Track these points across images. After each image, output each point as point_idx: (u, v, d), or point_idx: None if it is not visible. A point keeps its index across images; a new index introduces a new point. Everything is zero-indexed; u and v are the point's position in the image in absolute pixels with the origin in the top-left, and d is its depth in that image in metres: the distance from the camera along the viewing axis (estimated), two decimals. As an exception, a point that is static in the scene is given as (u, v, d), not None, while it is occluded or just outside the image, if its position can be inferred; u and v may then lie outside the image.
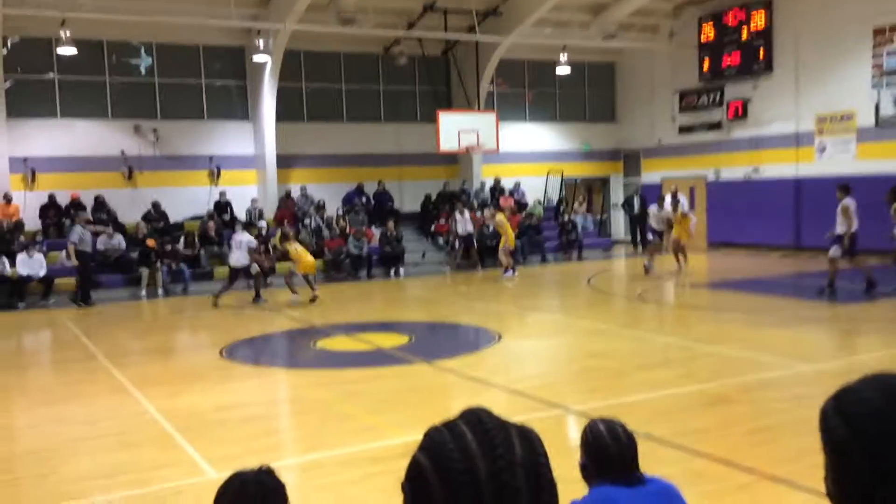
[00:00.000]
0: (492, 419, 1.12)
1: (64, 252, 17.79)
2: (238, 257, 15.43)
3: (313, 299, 14.89)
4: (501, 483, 1.06)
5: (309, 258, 15.41)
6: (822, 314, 12.11)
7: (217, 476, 5.69)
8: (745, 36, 22.41)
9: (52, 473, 5.98)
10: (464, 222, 20.81)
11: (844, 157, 20.14)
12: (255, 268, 15.57)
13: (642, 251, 21.90)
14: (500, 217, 18.66)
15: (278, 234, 16.31)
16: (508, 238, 18.44)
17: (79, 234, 16.00)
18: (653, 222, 16.92)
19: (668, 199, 22.22)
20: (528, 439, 1.11)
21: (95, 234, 17.34)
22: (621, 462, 2.55)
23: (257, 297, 15.56)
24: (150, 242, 17.97)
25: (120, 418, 7.49)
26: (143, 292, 17.31)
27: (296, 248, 15.32)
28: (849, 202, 13.03)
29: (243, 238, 15.56)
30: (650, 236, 19.57)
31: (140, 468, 5.99)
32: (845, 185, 13.31)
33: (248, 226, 16.58)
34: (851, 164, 19.78)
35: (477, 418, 1.12)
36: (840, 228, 13.04)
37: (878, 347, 9.92)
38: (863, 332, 10.83)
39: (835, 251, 13.15)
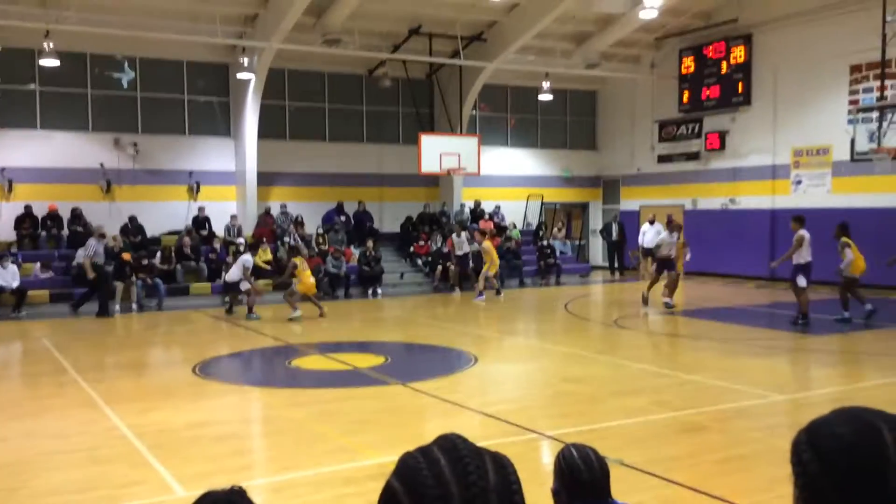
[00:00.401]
0: (466, 445, 1.12)
1: (38, 265, 17.65)
2: (233, 273, 16.19)
3: (322, 314, 15.46)
4: None
5: (310, 280, 15.67)
6: (797, 344, 12.23)
7: (186, 495, 5.64)
8: (724, 69, 22.78)
9: (23, 487, 5.89)
10: (460, 243, 20.88)
11: (819, 190, 20.46)
12: (244, 285, 15.96)
13: (645, 277, 21.93)
14: (486, 244, 18.77)
15: (287, 247, 16.70)
16: (493, 264, 18.63)
17: (94, 246, 16.37)
18: (664, 250, 16.30)
19: (645, 226, 22.46)
20: (502, 466, 1.12)
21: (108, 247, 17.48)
22: (593, 489, 2.57)
23: (250, 312, 15.77)
24: (126, 256, 17.82)
25: (90, 434, 7.39)
26: (117, 307, 17.13)
27: (303, 267, 15.56)
28: (804, 233, 13.47)
29: (245, 257, 16.44)
30: (648, 263, 19.46)
31: (110, 485, 5.91)
32: (800, 217, 13.85)
33: (253, 248, 16.79)
34: (826, 197, 20.10)
35: (452, 444, 1.12)
36: (797, 259, 13.43)
37: (852, 379, 10.03)
38: (837, 364, 10.94)
39: (801, 280, 13.42)
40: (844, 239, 13.55)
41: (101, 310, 16.32)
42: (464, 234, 21.03)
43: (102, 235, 17.13)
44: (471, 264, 20.52)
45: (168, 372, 11.18)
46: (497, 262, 18.92)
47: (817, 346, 12.11)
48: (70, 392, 9.26)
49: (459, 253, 20.81)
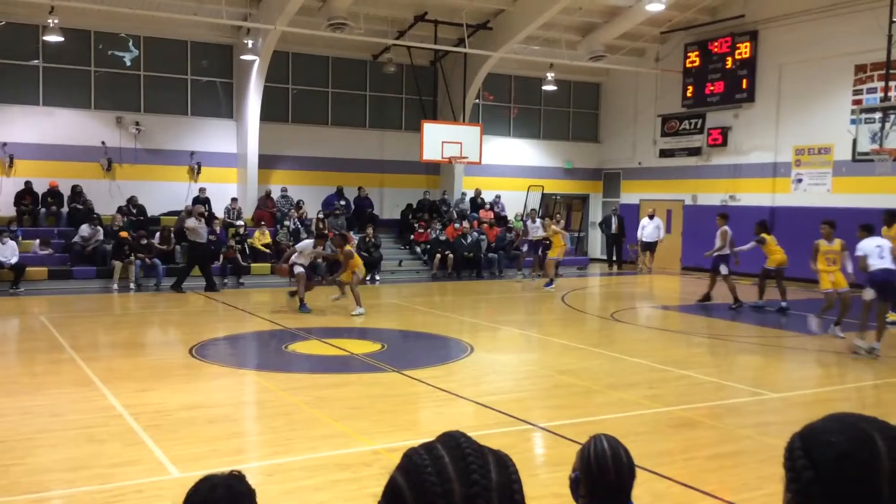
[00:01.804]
0: (470, 444, 1.15)
1: (37, 241, 17.67)
2: (295, 258, 15.26)
3: (338, 298, 15.09)
4: None
5: (361, 266, 15.23)
6: (790, 342, 12.27)
7: (180, 475, 5.68)
8: (729, 65, 22.72)
9: (16, 464, 5.92)
10: (535, 229, 21.29)
11: (820, 189, 20.47)
12: (298, 269, 15.01)
13: (638, 267, 22.07)
14: (554, 227, 19.17)
15: (338, 235, 15.79)
16: (559, 250, 19.21)
17: (193, 224, 16.97)
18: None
19: (645, 220, 22.47)
20: (504, 465, 1.14)
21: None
22: (618, 492, 2.41)
23: (302, 305, 14.74)
24: (123, 234, 17.83)
25: (85, 412, 7.43)
26: (115, 286, 17.18)
27: (356, 258, 14.98)
28: (726, 228, 15.97)
29: (303, 243, 15.71)
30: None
31: (103, 464, 5.95)
32: (725, 214, 16.47)
33: (319, 236, 16.13)
34: (826, 196, 20.11)
35: (455, 442, 1.14)
36: (725, 250, 15.81)
37: (843, 379, 10.07)
38: (829, 363, 10.98)
39: (723, 269, 15.80)
40: (763, 235, 15.64)
41: (176, 284, 16.97)
42: (538, 220, 21.45)
43: (202, 214, 17.71)
44: (539, 252, 20.91)
45: (165, 353, 11.22)
46: (562, 248, 19.53)
47: (810, 344, 12.14)
48: (66, 370, 9.29)
49: (531, 238, 21.24)
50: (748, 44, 22.24)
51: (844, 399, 8.75)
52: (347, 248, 14.94)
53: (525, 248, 21.75)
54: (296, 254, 15.19)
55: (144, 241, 18.03)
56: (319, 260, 16.40)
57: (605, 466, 2.39)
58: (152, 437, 6.58)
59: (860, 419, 1.21)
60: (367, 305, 16.46)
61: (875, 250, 10.78)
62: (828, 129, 20.00)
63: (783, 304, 15.24)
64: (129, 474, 5.72)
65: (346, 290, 14.76)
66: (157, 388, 8.46)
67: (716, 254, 16.02)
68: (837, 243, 12.14)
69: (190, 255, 17.44)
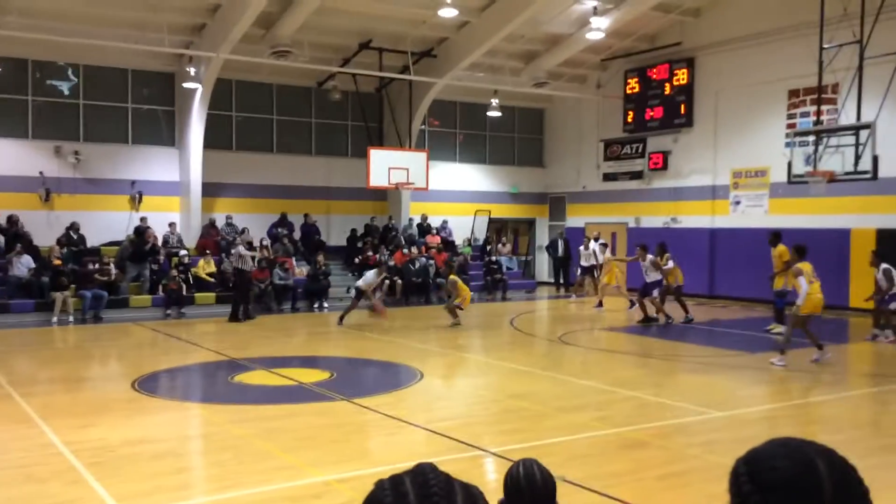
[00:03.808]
0: (438, 479, 1.13)
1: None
2: (367, 278, 16.97)
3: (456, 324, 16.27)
4: None
5: (469, 292, 16.98)
6: (734, 361, 12.51)
7: (125, 513, 5.52)
8: (668, 91, 23.30)
9: (-52, 508, 5.70)
10: (588, 256, 21.84)
11: (757, 210, 21.03)
12: (354, 292, 17.01)
13: (579, 291, 22.34)
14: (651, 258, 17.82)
15: (449, 265, 18.59)
16: (612, 275, 19.96)
17: (239, 253, 17.38)
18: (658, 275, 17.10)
19: (592, 244, 22.78)
20: (472, 499, 1.13)
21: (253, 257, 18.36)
22: None
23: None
24: (57, 262, 17.41)
25: (24, 450, 7.19)
26: (55, 318, 16.72)
27: (461, 282, 16.72)
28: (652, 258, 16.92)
29: (369, 274, 17.11)
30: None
31: (45, 503, 5.75)
32: (645, 245, 17.29)
33: (380, 266, 17.85)
34: (763, 218, 20.67)
35: (423, 478, 1.12)
36: (655, 276, 16.80)
37: (787, 396, 10.30)
38: (772, 381, 11.22)
39: (655, 293, 16.84)
40: (667, 255, 17.26)
41: (244, 313, 17.15)
42: (591, 244, 21.96)
43: (250, 243, 18.57)
44: (594, 274, 21.68)
45: (106, 386, 10.93)
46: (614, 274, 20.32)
47: (753, 363, 12.41)
48: (3, 406, 8.98)
49: (585, 264, 22.01)
50: (685, 70, 22.85)
51: (788, 416, 8.95)
52: (452, 276, 16.73)
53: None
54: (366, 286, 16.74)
55: (92, 266, 17.73)
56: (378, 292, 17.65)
57: (518, 486, 2.64)
58: (94, 474, 6.39)
59: (802, 443, 1.25)
60: (314, 334, 16.32)
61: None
62: (764, 153, 20.61)
63: (689, 316, 16.93)
64: (70, 514, 5.54)
65: (458, 315, 16.36)
66: (99, 423, 8.23)
67: (648, 281, 17.07)
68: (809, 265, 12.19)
69: (241, 283, 17.51)
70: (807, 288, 11.47)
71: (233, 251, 17.89)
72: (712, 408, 9.05)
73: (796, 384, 10.93)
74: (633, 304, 19.61)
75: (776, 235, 15.37)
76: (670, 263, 17.19)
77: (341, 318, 16.66)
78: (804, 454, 1.22)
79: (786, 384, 10.96)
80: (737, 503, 1.23)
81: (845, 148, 15.98)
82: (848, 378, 11.56)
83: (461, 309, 16.45)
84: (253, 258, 18.05)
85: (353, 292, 21.28)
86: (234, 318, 17.06)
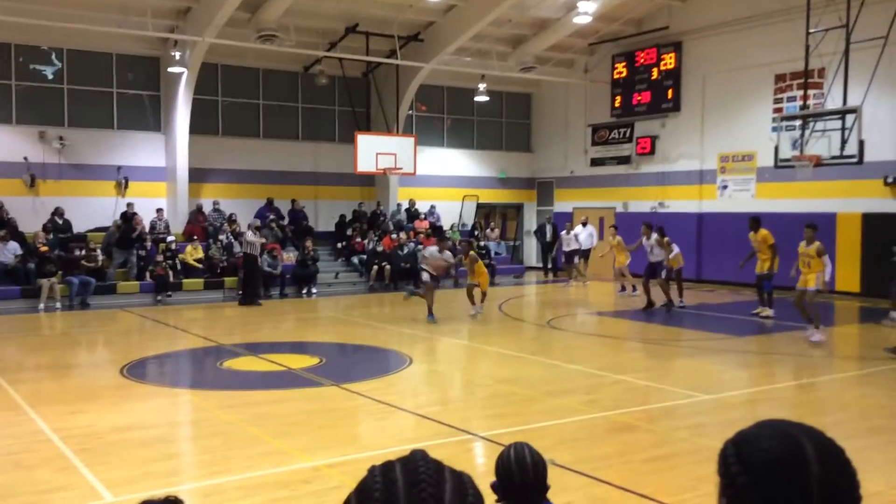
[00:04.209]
0: (428, 466, 1.13)
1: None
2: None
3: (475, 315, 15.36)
4: None
5: (486, 274, 15.98)
6: (720, 345, 12.60)
7: (114, 500, 5.53)
8: (655, 75, 23.30)
9: (-64, 496, 5.68)
10: (569, 241, 21.81)
11: (744, 195, 21.12)
12: (424, 275, 15.21)
13: (562, 276, 22.40)
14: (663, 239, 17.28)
15: (462, 242, 17.18)
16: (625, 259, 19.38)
17: (247, 239, 17.79)
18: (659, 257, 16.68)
19: (578, 228, 22.83)
20: (462, 491, 1.12)
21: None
22: (524, 492, 2.65)
23: (430, 314, 15.03)
24: (43, 249, 17.30)
25: (12, 437, 7.17)
26: (42, 305, 16.63)
27: (480, 262, 15.76)
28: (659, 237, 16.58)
29: (431, 249, 15.81)
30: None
31: (33, 490, 5.75)
32: (661, 227, 17.08)
33: (441, 240, 16.15)
34: (750, 202, 20.76)
35: (413, 466, 1.12)
36: (659, 255, 16.41)
37: (770, 380, 10.39)
38: (757, 364, 11.31)
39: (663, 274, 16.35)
40: (666, 239, 16.82)
41: (250, 297, 17.50)
42: (577, 229, 21.95)
43: (258, 228, 18.64)
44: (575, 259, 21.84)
45: (95, 373, 10.90)
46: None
47: (739, 346, 12.51)
48: (-10, 394, 8.95)
49: (566, 249, 22.03)
50: (673, 55, 22.85)
51: (773, 399, 9.03)
52: (472, 253, 15.77)
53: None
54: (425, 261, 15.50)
55: (78, 252, 17.61)
56: (452, 272, 16.24)
57: (509, 470, 2.67)
58: (83, 461, 6.38)
59: (789, 425, 1.26)
60: (303, 319, 16.30)
61: None
62: (751, 137, 20.67)
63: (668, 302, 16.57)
64: (60, 500, 5.54)
65: (478, 302, 15.49)
66: (87, 410, 8.21)
67: (654, 261, 16.64)
68: (814, 247, 12.46)
69: (249, 267, 17.91)
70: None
71: (247, 237, 18.17)
72: (700, 391, 9.12)
73: (783, 367, 11.03)
74: (623, 289, 19.65)
75: (756, 221, 15.40)
76: (675, 248, 16.68)
77: (413, 296, 15.80)
78: (791, 435, 1.23)
79: (772, 367, 11.05)
80: (725, 484, 1.24)
81: (831, 132, 16.06)
82: (834, 361, 11.65)
83: (483, 292, 15.57)
84: (262, 244, 18.45)
85: (340, 277, 21.40)
86: (245, 301, 17.57)
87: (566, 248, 22.57)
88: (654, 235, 16.59)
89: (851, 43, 15.96)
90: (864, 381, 10.01)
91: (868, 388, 9.55)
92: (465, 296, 15.99)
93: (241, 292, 18.10)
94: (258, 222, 19.51)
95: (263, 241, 18.80)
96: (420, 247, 22.18)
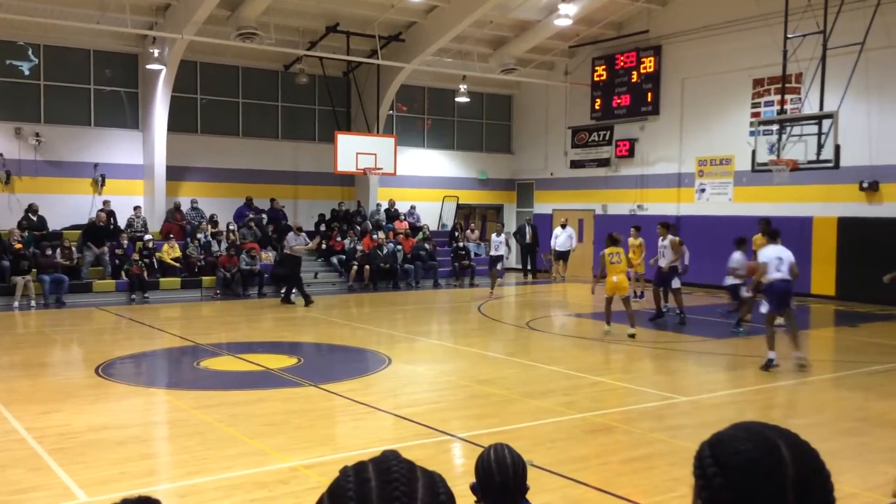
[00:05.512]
0: (401, 467, 1.13)
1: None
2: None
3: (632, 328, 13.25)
4: None
5: (620, 279, 13.48)
6: (697, 347, 12.69)
7: (88, 500, 5.48)
8: (635, 79, 23.43)
9: None
10: (497, 244, 20.80)
11: (722, 198, 21.30)
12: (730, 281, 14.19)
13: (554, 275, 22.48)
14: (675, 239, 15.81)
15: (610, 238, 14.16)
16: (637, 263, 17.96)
17: (293, 239, 18.15)
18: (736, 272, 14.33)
19: (558, 230, 22.90)
20: (434, 491, 1.12)
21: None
22: (503, 492, 2.67)
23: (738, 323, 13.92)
24: (18, 246, 17.09)
25: (-16, 438, 7.08)
26: (16, 303, 16.44)
27: (612, 259, 13.44)
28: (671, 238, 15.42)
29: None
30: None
31: (6, 490, 5.68)
32: (667, 223, 16.14)
33: (614, 241, 14.01)
34: (728, 205, 20.94)
35: (386, 466, 1.13)
36: (672, 261, 15.22)
37: (746, 382, 10.48)
38: (733, 366, 11.40)
39: (676, 283, 15.32)
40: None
41: (286, 297, 17.86)
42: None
43: (300, 229, 18.82)
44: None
45: (69, 372, 10.79)
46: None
47: (717, 348, 12.60)
48: (-38, 393, 8.83)
49: (492, 254, 20.81)
50: (652, 58, 22.99)
51: (751, 401, 9.10)
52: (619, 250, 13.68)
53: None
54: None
55: (50, 252, 17.40)
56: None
57: (488, 471, 2.69)
58: (57, 460, 6.32)
59: (765, 427, 1.27)
60: (282, 318, 16.22)
61: (774, 262, 10.90)
62: (728, 141, 20.84)
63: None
64: (33, 501, 5.48)
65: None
66: (62, 409, 8.12)
67: (668, 266, 15.19)
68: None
69: (293, 267, 18.09)
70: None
71: (287, 238, 18.49)
72: (677, 393, 9.18)
73: (755, 371, 11.10)
74: (641, 295, 18.55)
75: (768, 223, 14.12)
76: (686, 252, 15.55)
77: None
78: (767, 437, 1.24)
79: (749, 370, 11.13)
80: (701, 485, 1.25)
81: (808, 137, 16.23)
82: (809, 364, 11.75)
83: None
84: (305, 244, 18.63)
85: (319, 277, 21.32)
86: (294, 298, 17.84)
87: (560, 249, 23.09)
88: (671, 237, 15.29)
89: (828, 49, 16.14)
90: (838, 384, 10.12)
91: (843, 391, 9.66)
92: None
93: (282, 292, 18.34)
94: (300, 222, 19.80)
95: (308, 243, 18.85)
96: (399, 247, 22.16)
